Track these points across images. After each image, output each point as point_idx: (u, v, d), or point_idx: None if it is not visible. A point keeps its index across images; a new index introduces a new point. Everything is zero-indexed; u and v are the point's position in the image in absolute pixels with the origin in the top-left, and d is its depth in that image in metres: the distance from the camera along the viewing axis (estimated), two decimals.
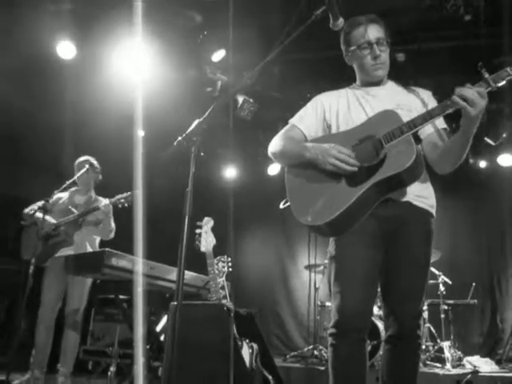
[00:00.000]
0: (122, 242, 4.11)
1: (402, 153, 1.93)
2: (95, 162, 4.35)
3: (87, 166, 4.16)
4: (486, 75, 1.83)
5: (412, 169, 1.92)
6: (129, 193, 3.99)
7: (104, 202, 4.07)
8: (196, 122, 1.94)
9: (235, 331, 2.90)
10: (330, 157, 2.02)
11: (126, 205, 3.97)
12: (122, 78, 4.90)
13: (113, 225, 4.24)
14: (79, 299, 3.99)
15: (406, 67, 5.00)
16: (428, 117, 1.94)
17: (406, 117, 2.02)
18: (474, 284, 5.46)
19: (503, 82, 1.84)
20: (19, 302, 3.57)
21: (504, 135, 5.67)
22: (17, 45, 4.57)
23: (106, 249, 3.26)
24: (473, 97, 1.80)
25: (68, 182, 4.05)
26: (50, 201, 4.18)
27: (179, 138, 1.92)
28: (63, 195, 4.32)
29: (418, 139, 2.04)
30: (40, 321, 3.92)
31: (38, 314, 3.94)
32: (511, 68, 1.83)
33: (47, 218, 4.06)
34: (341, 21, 2.02)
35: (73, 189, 4.35)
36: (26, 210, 4.15)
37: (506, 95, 5.33)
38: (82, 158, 4.31)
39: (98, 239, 4.29)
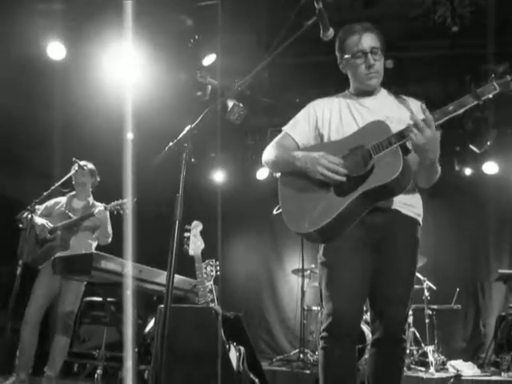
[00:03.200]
0: (111, 245, 4.11)
1: (389, 164, 1.96)
2: (92, 166, 4.34)
3: (76, 168, 4.15)
4: (476, 88, 1.87)
5: (399, 180, 1.95)
6: (125, 200, 3.98)
7: (99, 208, 4.07)
8: (187, 128, 1.96)
9: (223, 334, 2.93)
10: (320, 166, 2.06)
11: (121, 212, 3.98)
12: (112, 80, 4.89)
13: (110, 230, 4.23)
14: (74, 301, 3.97)
15: (394, 74, 5.07)
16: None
17: (395, 129, 2.04)
18: (458, 289, 5.55)
19: (489, 96, 1.87)
20: (8, 304, 3.54)
21: (489, 143, 5.76)
22: (6, 45, 4.54)
23: (94, 251, 3.26)
24: (419, 124, 1.87)
25: (57, 184, 4.03)
26: (44, 204, 4.19)
27: (170, 144, 1.94)
28: (62, 199, 4.32)
29: (406, 150, 2.06)
30: (25, 321, 3.88)
31: (25, 313, 3.90)
32: (497, 82, 1.86)
33: (44, 221, 4.06)
34: (331, 32, 2.05)
35: (71, 193, 4.34)
36: (24, 214, 4.13)
37: (490, 103, 5.43)
38: (81, 163, 4.23)
39: (94, 244, 4.29)
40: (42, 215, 4.23)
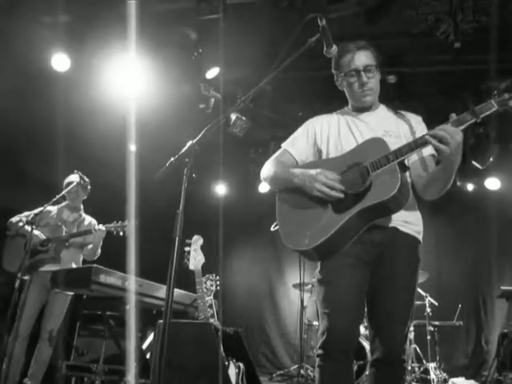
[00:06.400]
0: (109, 258, 4.08)
1: (387, 182, 1.95)
2: (86, 179, 4.31)
3: (77, 180, 4.12)
4: (474, 106, 1.87)
5: (396, 197, 1.94)
6: (126, 222, 3.97)
7: (99, 226, 4.05)
8: (189, 144, 1.95)
9: (222, 350, 2.89)
10: (317, 182, 2.05)
11: (120, 233, 3.96)
12: (116, 92, 4.91)
13: (99, 250, 4.24)
14: (58, 318, 3.99)
15: (396, 89, 5.09)
16: (414, 146, 1.96)
17: (393, 144, 2.04)
18: (460, 306, 5.51)
19: (487, 114, 1.87)
20: (5, 315, 3.52)
21: (491, 159, 5.76)
22: (11, 56, 4.57)
23: (94, 265, 3.23)
24: (444, 135, 1.84)
25: (58, 196, 4.02)
26: (37, 213, 4.17)
27: (172, 159, 1.93)
28: (52, 209, 4.27)
29: (404, 167, 2.06)
30: (19, 334, 3.84)
31: (19, 327, 3.85)
32: (495, 100, 1.86)
33: (36, 232, 4.01)
34: (334, 48, 2.05)
35: (62, 204, 4.30)
36: (14, 220, 4.13)
37: (492, 119, 5.43)
38: (73, 178, 4.22)
39: (81, 257, 4.28)
40: (29, 223, 4.13)
